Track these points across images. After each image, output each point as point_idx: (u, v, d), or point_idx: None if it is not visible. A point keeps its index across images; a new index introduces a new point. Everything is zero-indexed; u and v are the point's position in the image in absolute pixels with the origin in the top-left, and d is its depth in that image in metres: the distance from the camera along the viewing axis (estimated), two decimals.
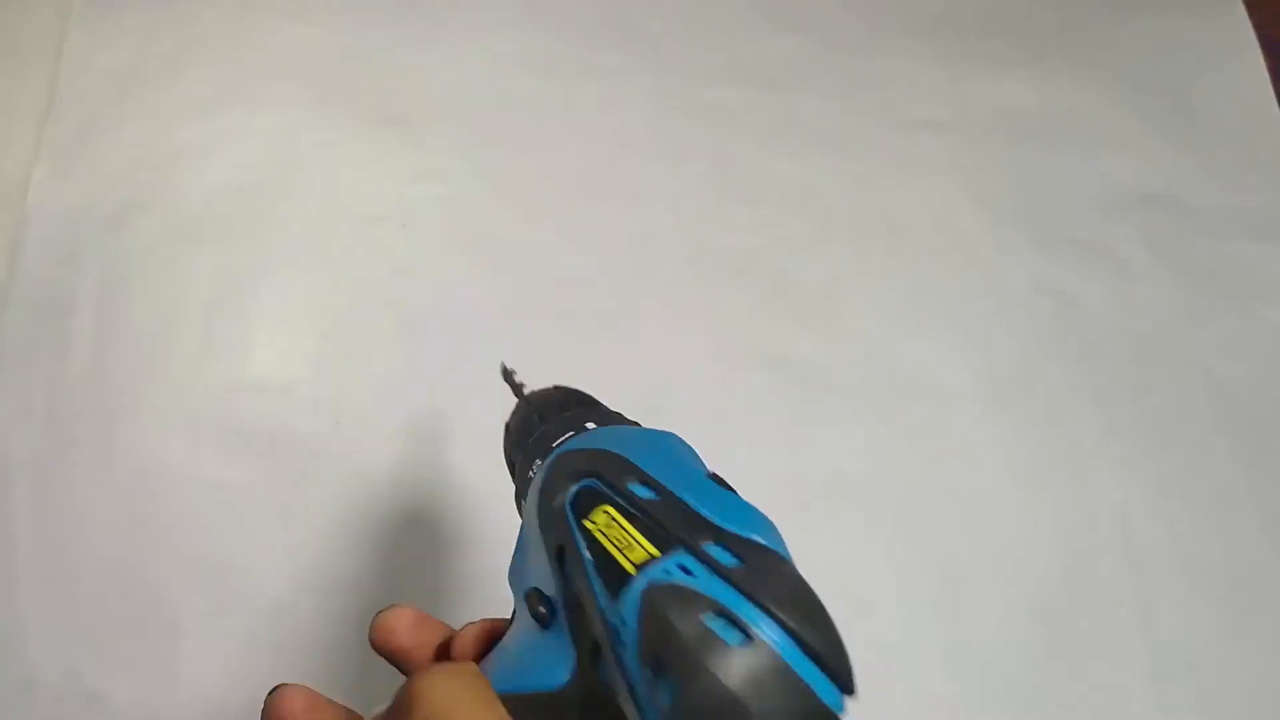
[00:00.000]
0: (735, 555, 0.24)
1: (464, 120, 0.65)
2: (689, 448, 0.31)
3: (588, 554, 0.26)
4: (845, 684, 0.23)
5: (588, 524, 0.27)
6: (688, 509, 0.26)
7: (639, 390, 0.57)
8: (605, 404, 0.36)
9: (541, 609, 0.27)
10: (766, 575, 0.24)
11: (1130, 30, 0.75)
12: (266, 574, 0.52)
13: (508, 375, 0.40)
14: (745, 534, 0.25)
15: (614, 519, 0.26)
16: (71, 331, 0.57)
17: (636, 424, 0.33)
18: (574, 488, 0.29)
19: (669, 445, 0.30)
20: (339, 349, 0.58)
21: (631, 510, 0.26)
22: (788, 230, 0.65)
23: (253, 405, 0.56)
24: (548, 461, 0.31)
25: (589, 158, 0.65)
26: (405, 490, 0.55)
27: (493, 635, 0.30)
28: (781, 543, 0.26)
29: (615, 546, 0.26)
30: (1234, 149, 0.70)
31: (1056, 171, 0.68)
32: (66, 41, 0.67)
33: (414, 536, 0.54)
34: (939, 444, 0.59)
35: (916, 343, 0.62)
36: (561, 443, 0.32)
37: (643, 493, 0.27)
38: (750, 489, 0.56)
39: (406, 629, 0.30)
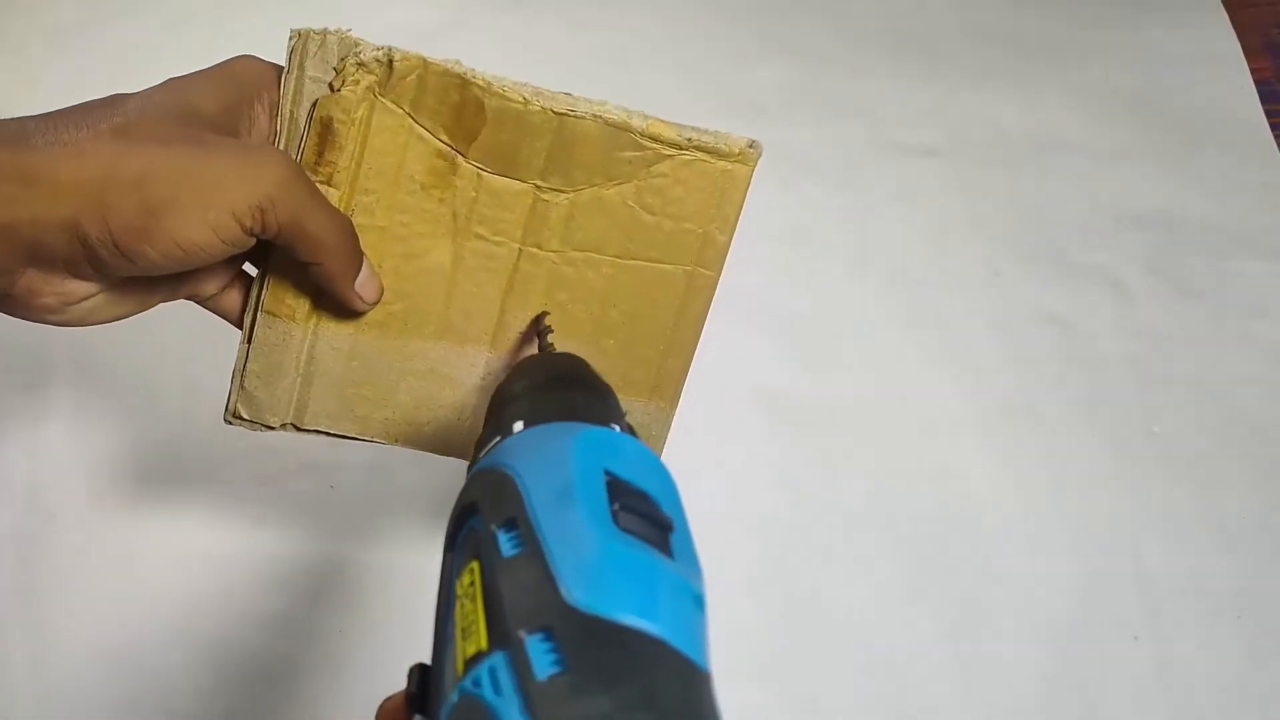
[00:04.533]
0: (563, 656, 0.17)
1: None
2: (637, 459, 0.23)
3: (436, 638, 0.21)
4: None
5: (457, 588, 0.21)
6: (544, 572, 0.19)
7: None
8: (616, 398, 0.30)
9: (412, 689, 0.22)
10: (580, 695, 0.17)
11: (1115, 44, 0.75)
12: (263, 648, 0.50)
13: (540, 325, 0.37)
14: (611, 615, 0.18)
15: (475, 585, 0.20)
16: (50, 396, 0.55)
17: (607, 427, 0.25)
18: (457, 531, 0.23)
19: (585, 460, 0.22)
20: None
21: (487, 572, 0.20)
22: (781, 263, 0.63)
23: (242, 468, 0.54)
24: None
25: None
26: (409, 557, 0.53)
27: None
28: (680, 621, 0.19)
29: (460, 630, 0.20)
30: (1224, 164, 0.69)
31: (1050, 193, 0.68)
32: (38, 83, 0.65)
33: (421, 602, 0.52)
34: (943, 480, 0.58)
35: (916, 376, 0.61)
36: (485, 452, 0.25)
37: (507, 544, 0.20)
38: (749, 532, 0.56)
39: None
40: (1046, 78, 0.72)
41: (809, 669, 0.52)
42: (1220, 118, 0.71)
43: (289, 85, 0.33)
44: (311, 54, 0.33)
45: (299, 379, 0.37)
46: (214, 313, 0.37)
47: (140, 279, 0.31)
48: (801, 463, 0.58)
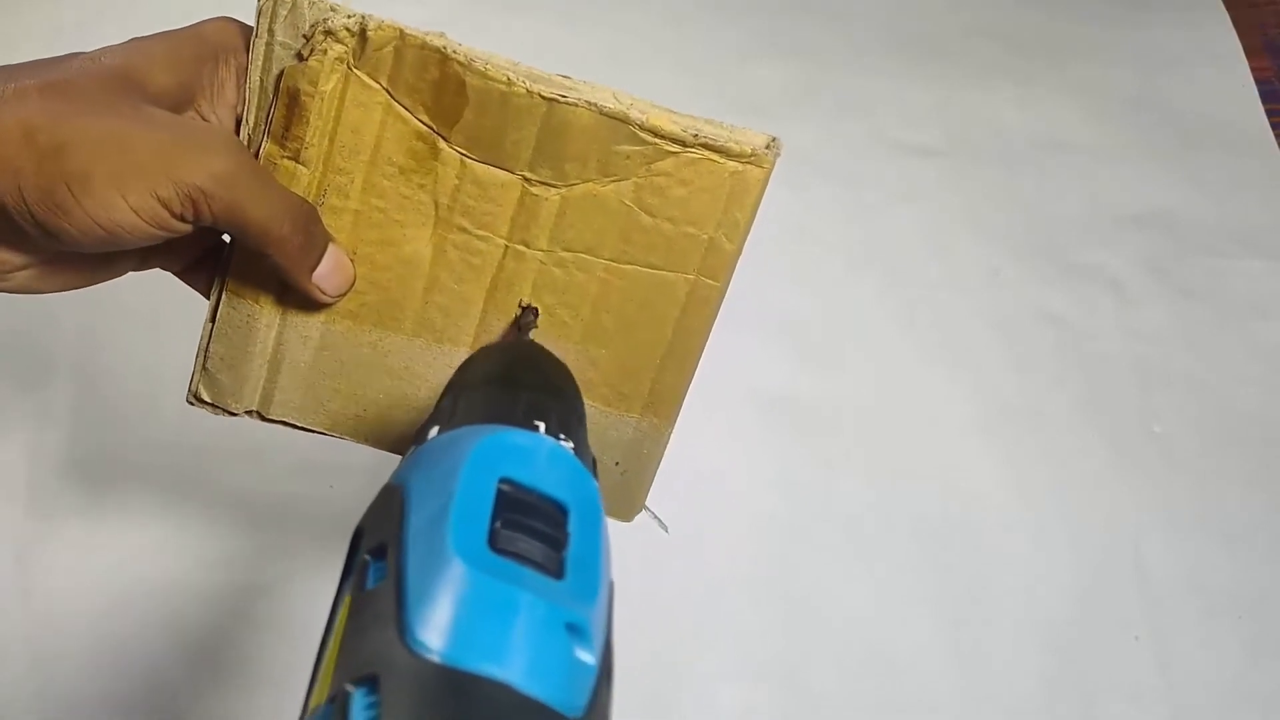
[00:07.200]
0: (381, 713, 0.15)
1: None
2: (551, 463, 0.21)
3: (310, 680, 0.18)
4: None
5: (335, 624, 0.19)
6: (392, 610, 0.17)
7: None
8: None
9: None
10: None
11: (1115, 44, 0.75)
12: (264, 649, 0.50)
13: (524, 319, 0.34)
14: (455, 661, 0.16)
15: (342, 622, 0.18)
16: (50, 396, 0.55)
17: (529, 427, 0.23)
18: (350, 557, 0.20)
19: (478, 468, 0.20)
20: None
21: (352, 608, 0.18)
22: (781, 263, 0.63)
23: (241, 469, 0.54)
24: None
25: None
26: None
27: None
28: (540, 660, 0.17)
29: (321, 673, 0.18)
30: (1224, 164, 0.69)
31: (1050, 193, 0.68)
32: None
33: None
34: (943, 480, 0.58)
35: (916, 376, 0.61)
36: (399, 465, 0.23)
37: (373, 575, 0.19)
38: (749, 532, 0.55)
39: None
40: (1046, 78, 0.72)
41: (809, 669, 0.52)
42: (1220, 118, 0.71)
43: (258, 51, 0.30)
44: (281, 18, 0.30)
45: (266, 365, 0.34)
46: (190, 287, 0.35)
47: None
48: (801, 463, 0.57)
